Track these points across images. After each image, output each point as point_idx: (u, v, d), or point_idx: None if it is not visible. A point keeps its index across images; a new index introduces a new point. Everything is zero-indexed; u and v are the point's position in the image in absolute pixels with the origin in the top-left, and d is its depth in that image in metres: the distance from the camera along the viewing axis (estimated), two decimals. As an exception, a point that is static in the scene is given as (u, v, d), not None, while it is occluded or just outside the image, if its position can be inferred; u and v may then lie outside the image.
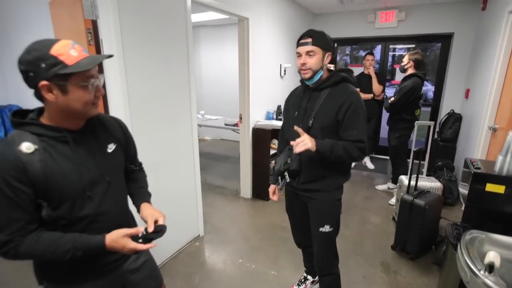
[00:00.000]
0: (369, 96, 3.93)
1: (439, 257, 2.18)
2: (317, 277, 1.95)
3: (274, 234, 2.72)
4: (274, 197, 1.72)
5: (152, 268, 1.20)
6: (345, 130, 1.37)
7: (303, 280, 2.01)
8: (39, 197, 0.82)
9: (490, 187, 1.44)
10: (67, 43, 0.79)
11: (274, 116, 3.55)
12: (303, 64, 1.37)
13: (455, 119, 3.84)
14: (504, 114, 2.68)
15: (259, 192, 3.43)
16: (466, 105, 3.72)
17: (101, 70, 1.72)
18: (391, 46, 4.73)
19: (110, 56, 0.88)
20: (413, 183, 2.54)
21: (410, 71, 3.02)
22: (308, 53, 1.35)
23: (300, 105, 1.49)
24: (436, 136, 4.10)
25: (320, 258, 1.60)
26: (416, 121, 2.95)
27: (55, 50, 0.76)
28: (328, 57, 1.40)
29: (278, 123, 3.30)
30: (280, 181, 1.55)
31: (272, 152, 3.34)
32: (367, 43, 4.87)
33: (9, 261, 2.21)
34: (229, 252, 2.45)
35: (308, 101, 1.46)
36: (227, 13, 2.70)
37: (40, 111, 0.88)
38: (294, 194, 1.62)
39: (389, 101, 3.09)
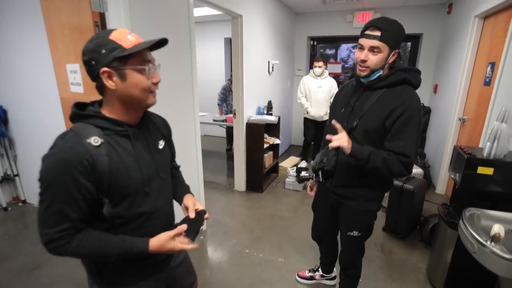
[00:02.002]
0: None
1: (426, 234, 2.37)
2: (329, 275, 1.96)
3: (274, 224, 2.76)
4: (311, 193, 1.63)
5: (189, 263, 1.21)
6: (391, 139, 1.17)
7: (315, 269, 2.01)
8: (102, 193, 0.77)
9: (481, 170, 1.60)
10: (125, 30, 0.78)
11: (265, 111, 3.58)
12: (363, 61, 1.16)
13: (424, 112, 4.13)
14: (471, 106, 2.94)
15: (253, 185, 3.46)
16: (434, 99, 4.02)
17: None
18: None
19: (164, 40, 0.81)
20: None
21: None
22: (372, 49, 1.14)
23: (348, 102, 1.31)
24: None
25: (346, 257, 1.54)
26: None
27: (113, 36, 0.75)
28: (393, 55, 1.17)
29: (271, 118, 3.33)
30: (314, 178, 1.48)
31: (265, 145, 3.38)
32: (345, 41, 5.04)
33: (5, 268, 2.03)
34: (234, 244, 2.45)
35: (357, 99, 1.27)
36: (223, 10, 2.65)
37: (99, 105, 0.84)
38: (324, 193, 1.51)
39: None
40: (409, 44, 4.57)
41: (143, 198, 0.85)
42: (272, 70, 3.91)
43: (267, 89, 3.85)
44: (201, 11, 4.33)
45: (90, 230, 0.79)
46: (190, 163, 2.36)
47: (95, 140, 0.75)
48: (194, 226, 0.92)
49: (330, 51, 5.40)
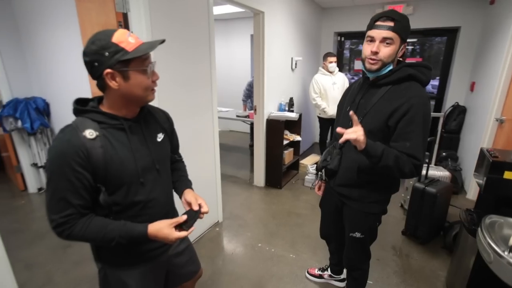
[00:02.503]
0: None
1: (449, 241, 2.22)
2: (338, 276, 1.92)
3: (290, 220, 2.76)
4: (318, 192, 1.58)
5: (192, 253, 1.23)
6: (396, 140, 1.10)
7: (325, 268, 1.98)
8: (99, 182, 0.84)
9: (508, 175, 1.46)
10: (125, 32, 0.80)
11: (286, 108, 3.55)
12: (375, 52, 1.09)
13: (459, 111, 3.83)
14: (511, 106, 2.67)
15: (272, 181, 3.46)
16: (471, 97, 3.71)
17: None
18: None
19: (163, 41, 0.86)
20: (423, 172, 2.56)
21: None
22: (384, 40, 1.07)
23: (354, 100, 1.27)
24: (440, 127, 4.10)
25: (349, 257, 1.51)
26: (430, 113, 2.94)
27: (115, 38, 0.78)
28: (403, 49, 1.13)
29: (291, 115, 3.30)
30: (317, 177, 1.46)
31: (285, 142, 3.36)
32: (373, 37, 4.82)
33: (43, 245, 2.26)
34: (248, 237, 2.49)
35: (362, 97, 1.22)
36: (244, 7, 2.67)
37: (99, 100, 0.90)
38: (329, 192, 1.49)
39: None
40: (444, 38, 4.25)
41: (138, 188, 0.90)
42: (295, 67, 3.86)
43: (289, 85, 3.81)
44: (225, 9, 4.39)
45: (93, 216, 0.86)
46: (207, 157, 2.43)
47: (90, 133, 0.81)
48: (194, 218, 0.96)
49: (360, 47, 5.20)
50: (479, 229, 1.37)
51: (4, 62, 2.87)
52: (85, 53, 0.80)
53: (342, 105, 1.39)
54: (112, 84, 0.80)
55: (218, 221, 2.71)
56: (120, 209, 0.89)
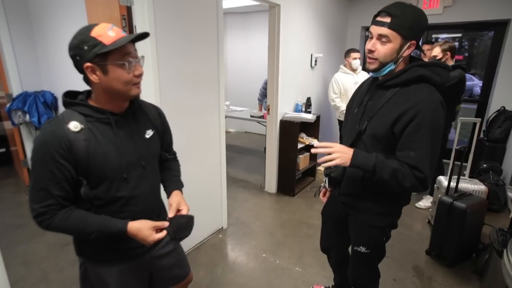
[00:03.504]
0: None
1: (481, 266, 2.12)
2: None
3: (300, 231, 2.75)
4: (323, 198, 1.57)
5: (180, 256, 1.28)
6: (401, 149, 1.09)
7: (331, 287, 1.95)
8: (80, 175, 0.91)
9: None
10: (106, 26, 0.87)
11: (303, 109, 3.56)
12: (370, 51, 1.11)
13: (506, 117, 3.64)
14: None
15: (285, 187, 3.48)
16: (520, 101, 3.51)
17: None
18: (433, 36, 4.54)
19: (144, 34, 0.92)
20: (453, 184, 2.47)
21: (450, 63, 2.89)
22: (380, 37, 1.07)
23: (362, 102, 1.25)
24: (482, 135, 3.91)
25: (354, 274, 1.48)
26: (460, 118, 2.84)
27: (94, 32, 0.85)
28: (409, 48, 1.09)
29: (307, 116, 3.31)
30: (322, 184, 1.47)
31: (300, 146, 3.37)
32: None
33: (42, 241, 2.42)
34: (253, 246, 2.52)
35: (369, 99, 1.21)
36: (258, 0, 2.73)
37: (88, 93, 0.98)
38: (334, 200, 1.48)
39: None
40: (491, 33, 4.06)
41: (120, 183, 0.97)
42: (315, 64, 3.86)
43: (307, 84, 3.82)
44: (243, 1, 4.47)
45: (74, 208, 0.93)
46: (213, 159, 2.49)
47: (74, 126, 0.88)
48: (175, 226, 1.02)
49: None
50: (505, 250, 1.32)
51: (16, 55, 3.13)
52: (69, 48, 0.89)
53: (351, 106, 1.38)
54: (93, 78, 0.87)
55: (222, 227, 2.76)
56: (101, 203, 0.96)
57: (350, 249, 1.51)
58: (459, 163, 2.55)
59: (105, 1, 2.01)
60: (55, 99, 3.28)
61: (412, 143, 1.06)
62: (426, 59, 3.56)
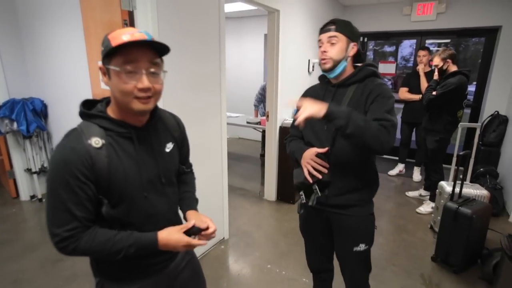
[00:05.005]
0: (417, 97, 3.73)
1: (488, 271, 2.14)
2: None
3: (302, 240, 2.71)
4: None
5: (197, 266, 1.23)
6: (368, 116, 1.21)
7: None
8: (101, 194, 0.85)
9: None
10: (128, 29, 0.82)
11: (302, 115, 3.55)
12: (324, 52, 1.28)
13: (500, 121, 3.74)
14: (560, 117, 2.60)
15: (285, 195, 3.45)
16: (513, 106, 3.62)
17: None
18: (427, 42, 4.66)
19: (165, 47, 0.83)
20: (456, 190, 2.50)
21: (452, 69, 2.96)
22: (330, 39, 1.27)
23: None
24: (476, 139, 4.01)
25: (355, 280, 1.47)
26: (460, 123, 2.89)
27: (111, 34, 0.81)
28: (353, 48, 1.30)
29: (307, 122, 3.30)
30: (304, 197, 1.38)
31: (299, 152, 3.35)
32: (401, 37, 4.81)
33: (33, 257, 2.30)
34: (257, 257, 2.48)
35: (332, 99, 1.33)
36: (258, 5, 2.73)
37: (107, 102, 0.92)
38: (314, 210, 1.44)
39: (431, 95, 2.95)
40: (475, 39, 4.20)
41: (141, 202, 0.92)
42: (313, 70, 3.88)
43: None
44: (237, 6, 4.49)
45: (97, 227, 0.87)
46: (214, 167, 2.45)
47: (96, 142, 0.82)
48: (196, 229, 0.97)
49: (389, 48, 5.17)
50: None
51: (3, 60, 3.02)
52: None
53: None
54: (104, 80, 0.84)
55: (223, 238, 2.71)
56: (123, 223, 0.91)
57: (341, 255, 1.48)
58: (460, 168, 2.59)
59: (104, 4, 1.96)
60: (45, 106, 3.17)
61: (376, 107, 1.22)
62: (422, 65, 3.66)
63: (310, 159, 1.30)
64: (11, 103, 2.98)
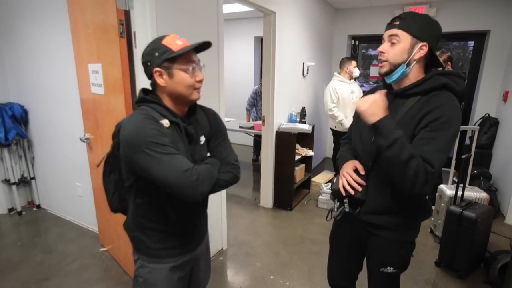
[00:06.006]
0: None
1: (494, 275, 2.16)
2: None
3: (304, 248, 2.68)
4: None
5: (208, 261, 1.36)
6: (414, 144, 1.06)
7: None
8: None
9: None
10: (175, 36, 1.00)
11: (298, 119, 3.53)
12: (381, 52, 1.13)
13: (491, 123, 3.85)
14: (553, 119, 2.69)
15: (281, 201, 3.40)
16: (504, 108, 3.73)
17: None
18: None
19: (207, 43, 1.03)
20: (459, 193, 2.53)
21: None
22: (390, 38, 1.11)
23: None
24: (468, 142, 4.11)
25: None
26: (461, 126, 2.93)
27: (165, 41, 0.97)
28: (421, 49, 1.09)
29: (304, 127, 3.28)
30: (335, 207, 1.33)
31: (297, 157, 3.32)
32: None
33: (16, 278, 2.12)
34: (258, 268, 2.41)
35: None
36: (254, 6, 2.69)
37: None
38: (349, 221, 1.37)
39: None
40: (463, 43, 4.34)
41: None
42: (307, 73, 3.88)
43: (300, 94, 3.82)
44: (228, 8, 4.44)
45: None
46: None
47: (166, 122, 0.98)
48: None
49: (373, 52, 5.25)
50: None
51: (-22, 64, 2.83)
52: (142, 55, 1.00)
53: (358, 116, 1.27)
54: (160, 81, 0.98)
55: (222, 248, 2.62)
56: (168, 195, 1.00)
57: (368, 270, 1.42)
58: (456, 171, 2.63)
59: (96, 4, 1.86)
60: (25, 112, 2.99)
61: (428, 139, 1.04)
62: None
63: (346, 172, 1.24)
64: (-13, 109, 2.79)
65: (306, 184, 3.82)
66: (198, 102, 1.12)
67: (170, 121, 1.00)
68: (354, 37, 4.96)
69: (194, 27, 1.99)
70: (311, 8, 3.84)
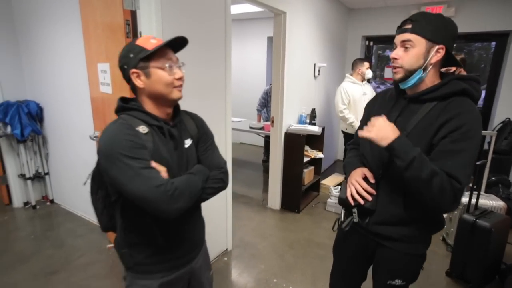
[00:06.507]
0: None
1: (508, 288, 2.05)
2: None
3: (310, 251, 2.63)
4: None
5: (207, 256, 1.30)
6: (437, 157, 1.00)
7: None
8: None
9: None
10: (149, 36, 0.98)
11: (308, 120, 3.48)
12: (394, 59, 1.08)
13: (511, 128, 3.68)
14: None
15: (289, 204, 3.36)
16: (525, 113, 3.56)
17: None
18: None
19: (183, 40, 0.99)
20: (473, 201, 2.42)
21: (462, 74, 2.90)
22: (403, 43, 1.05)
23: (387, 117, 1.13)
24: (486, 147, 3.94)
25: None
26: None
27: (139, 41, 0.94)
28: (437, 53, 1.03)
29: (314, 128, 3.23)
30: (343, 216, 1.29)
31: (305, 159, 3.27)
32: (408, 41, 4.77)
33: (24, 270, 2.17)
34: (262, 270, 2.38)
35: (399, 115, 1.13)
36: (264, 6, 2.66)
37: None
38: (356, 231, 1.31)
39: None
40: (486, 44, 4.16)
41: None
42: (318, 74, 3.82)
43: (311, 95, 3.76)
44: (241, 8, 4.43)
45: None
46: (217, 174, 2.36)
47: (143, 128, 0.93)
48: None
49: (390, 53, 5.13)
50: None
51: (-3, 62, 2.93)
52: (119, 59, 0.97)
53: (368, 121, 1.27)
54: (138, 83, 0.94)
55: (227, 249, 2.61)
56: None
57: (375, 283, 1.36)
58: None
59: (105, 4, 1.89)
60: (41, 109, 3.08)
61: (451, 152, 0.99)
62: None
63: (355, 181, 1.18)
64: (5, 106, 2.89)
65: (316, 186, 3.76)
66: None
67: (153, 125, 0.96)
68: (368, 38, 4.85)
69: (201, 27, 1.98)
70: (324, 8, 3.78)
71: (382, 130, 1.03)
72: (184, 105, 1.94)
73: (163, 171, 0.92)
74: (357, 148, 1.37)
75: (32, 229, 2.88)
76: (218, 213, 2.45)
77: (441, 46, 1.03)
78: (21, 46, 3.05)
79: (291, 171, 3.26)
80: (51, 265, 2.33)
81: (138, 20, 1.72)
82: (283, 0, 2.82)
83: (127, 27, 1.72)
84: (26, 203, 3.25)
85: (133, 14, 1.72)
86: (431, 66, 1.06)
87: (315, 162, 3.62)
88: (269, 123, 3.60)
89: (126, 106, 0.97)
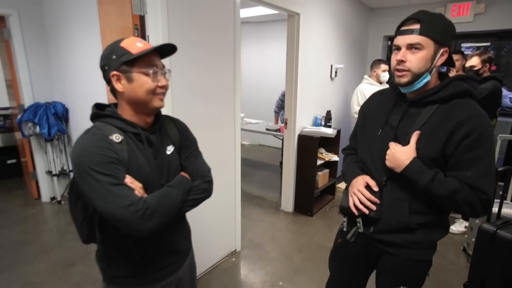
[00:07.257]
0: None
1: (531, 305, 1.89)
2: None
3: (319, 256, 2.58)
4: None
5: (193, 265, 1.25)
6: (455, 168, 0.99)
7: None
8: None
9: None
10: (135, 38, 0.92)
11: (323, 123, 3.42)
12: (401, 61, 1.00)
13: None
14: None
15: (302, 206, 3.32)
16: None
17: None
18: (462, 45, 4.36)
19: (172, 47, 0.95)
20: (494, 209, 2.26)
21: (487, 74, 2.73)
22: (411, 46, 0.99)
23: (386, 121, 1.12)
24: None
25: None
26: (500, 135, 2.63)
27: (124, 43, 0.89)
28: (442, 55, 1.01)
29: (328, 131, 3.17)
30: (346, 226, 1.25)
31: (319, 162, 3.22)
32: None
33: (45, 261, 2.32)
34: (268, 272, 2.37)
35: (401, 118, 1.08)
36: (277, 8, 2.65)
37: (115, 107, 0.98)
38: (357, 238, 1.25)
39: None
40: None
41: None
42: (336, 75, 3.74)
43: (327, 97, 3.69)
44: (259, 11, 4.45)
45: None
46: (226, 174, 2.38)
47: (116, 137, 0.88)
48: None
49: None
50: None
51: (30, 66, 3.15)
52: (100, 59, 0.92)
53: (364, 122, 1.24)
54: (118, 86, 0.89)
55: (235, 250, 2.62)
56: None
57: None
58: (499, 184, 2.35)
59: (117, 10, 1.97)
60: (66, 110, 3.27)
61: (469, 162, 0.97)
62: (454, 71, 3.40)
63: (357, 190, 1.14)
64: (34, 107, 3.10)
65: (331, 190, 3.68)
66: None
67: (129, 132, 0.92)
68: (390, 38, 4.68)
69: (208, 31, 2.01)
70: (341, 8, 3.70)
71: (395, 159, 1.03)
72: (191, 108, 2.00)
73: (137, 187, 0.88)
74: (355, 154, 1.33)
75: (56, 222, 3.06)
76: (226, 214, 2.47)
77: (445, 49, 1.01)
78: (50, 52, 3.26)
79: (304, 174, 3.22)
80: (70, 257, 2.46)
81: (146, 25, 1.77)
82: (297, 2, 2.80)
83: (136, 31, 1.78)
84: (52, 198, 3.46)
85: (142, 18, 1.78)
86: (435, 69, 1.02)
87: (330, 165, 3.55)
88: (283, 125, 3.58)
89: (100, 113, 0.92)
